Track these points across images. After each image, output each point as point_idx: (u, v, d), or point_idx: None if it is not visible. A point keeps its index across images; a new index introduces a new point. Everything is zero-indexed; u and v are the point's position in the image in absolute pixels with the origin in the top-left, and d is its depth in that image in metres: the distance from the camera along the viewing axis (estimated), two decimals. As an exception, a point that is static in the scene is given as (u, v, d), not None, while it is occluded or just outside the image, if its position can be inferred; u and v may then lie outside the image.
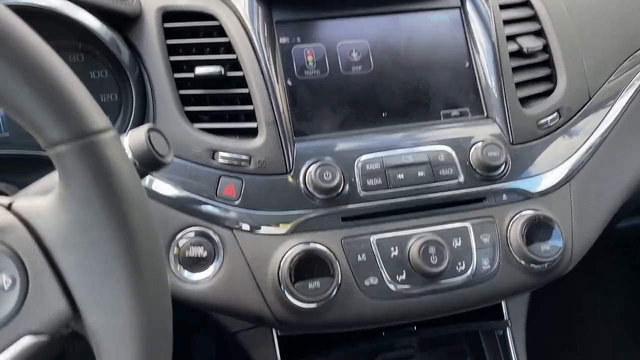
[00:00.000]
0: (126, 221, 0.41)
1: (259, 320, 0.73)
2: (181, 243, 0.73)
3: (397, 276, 0.74)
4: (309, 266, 0.71)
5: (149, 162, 0.49)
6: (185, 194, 0.73)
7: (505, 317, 0.92)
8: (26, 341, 0.41)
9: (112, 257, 0.40)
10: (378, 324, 0.78)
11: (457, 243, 0.76)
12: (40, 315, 0.42)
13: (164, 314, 0.43)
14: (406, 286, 0.74)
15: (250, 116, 0.76)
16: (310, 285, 0.70)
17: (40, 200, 0.43)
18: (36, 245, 0.42)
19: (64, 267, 0.41)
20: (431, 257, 0.73)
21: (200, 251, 0.73)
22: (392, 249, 0.75)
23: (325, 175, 0.73)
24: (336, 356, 0.91)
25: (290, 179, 0.74)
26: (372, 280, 0.73)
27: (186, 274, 0.73)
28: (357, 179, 0.75)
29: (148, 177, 0.73)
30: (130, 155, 0.50)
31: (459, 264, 0.76)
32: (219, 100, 0.78)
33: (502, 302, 0.92)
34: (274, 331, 0.84)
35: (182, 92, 0.76)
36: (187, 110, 0.76)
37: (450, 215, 0.78)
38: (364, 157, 0.76)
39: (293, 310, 0.71)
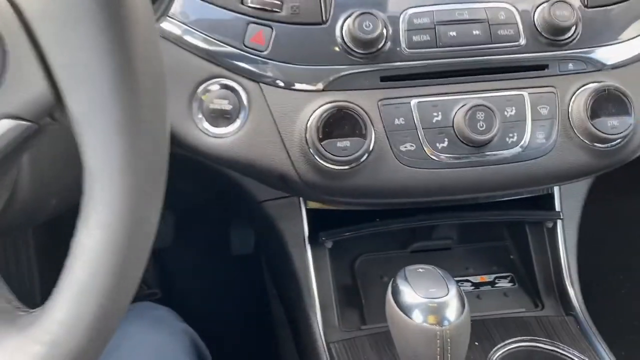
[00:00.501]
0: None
1: (283, 179, 0.67)
2: (205, 95, 0.67)
3: (438, 143, 0.66)
4: (339, 124, 0.64)
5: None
6: (210, 41, 0.67)
7: (558, 207, 0.83)
8: (4, 124, 0.37)
9: (97, 37, 0.35)
10: (412, 197, 0.71)
11: (509, 112, 0.67)
12: (19, 98, 0.37)
13: (156, 115, 0.38)
14: (447, 155, 0.66)
15: (286, -40, 0.68)
16: (339, 144, 0.63)
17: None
18: (15, 16, 0.36)
19: (45, 44, 0.36)
20: (478, 124, 0.65)
21: (225, 104, 0.67)
22: (435, 114, 0.67)
23: (366, 25, 0.64)
24: (366, 236, 0.85)
25: (326, 29, 0.66)
26: (409, 146, 0.66)
27: (209, 127, 0.67)
28: (401, 34, 0.67)
29: (169, 22, 0.67)
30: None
31: (510, 135, 0.67)
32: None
33: (556, 192, 0.83)
34: (301, 203, 0.79)
35: None
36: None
37: (506, 82, 0.69)
38: (411, 10, 0.67)
39: (319, 170, 0.65)
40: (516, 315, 0.81)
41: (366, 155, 0.65)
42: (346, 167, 0.65)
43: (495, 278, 0.89)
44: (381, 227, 0.82)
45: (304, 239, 0.80)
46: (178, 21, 0.67)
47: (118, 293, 0.38)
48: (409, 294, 0.58)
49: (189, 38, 0.67)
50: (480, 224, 0.92)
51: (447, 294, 0.57)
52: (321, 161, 0.64)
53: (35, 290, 1.49)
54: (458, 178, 0.67)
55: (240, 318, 1.38)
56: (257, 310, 1.22)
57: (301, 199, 0.79)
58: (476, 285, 0.88)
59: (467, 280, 0.88)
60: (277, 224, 0.80)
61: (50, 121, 0.39)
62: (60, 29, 0.36)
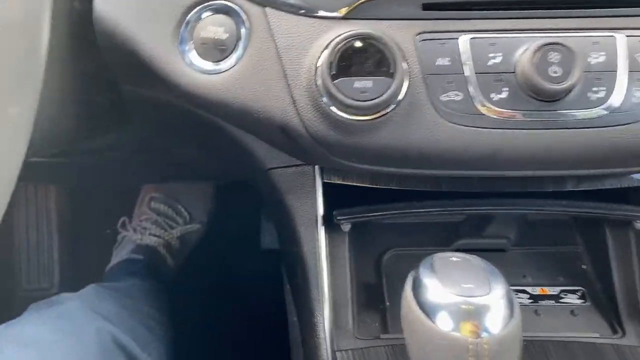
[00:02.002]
0: None
1: (285, 131, 0.52)
2: (196, 21, 0.54)
3: (493, 94, 0.49)
4: (360, 59, 0.48)
5: None
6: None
7: (653, 202, 0.63)
8: None
9: None
10: (451, 167, 0.54)
11: (595, 58, 0.49)
12: None
13: None
14: (504, 110, 0.49)
15: None
16: (358, 84, 0.47)
17: None
18: None
19: None
20: (551, 69, 0.47)
21: (220, 32, 0.53)
22: (492, 55, 0.50)
23: None
24: (399, 227, 0.69)
25: (353, -61, 0.51)
26: (453, 96, 0.49)
27: (198, 60, 0.53)
28: (453, -49, 0.50)
29: None
30: None
31: (595, 89, 0.49)
32: None
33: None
34: (316, 173, 0.63)
35: None
36: None
37: (593, 20, 0.51)
38: None
39: (330, 120, 0.50)
40: (586, 340, 0.62)
41: (394, 103, 0.49)
42: (366, 116, 0.49)
43: (561, 292, 0.69)
44: (413, 213, 0.64)
45: (317, 218, 0.64)
46: None
47: None
48: (435, 289, 0.41)
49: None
50: (544, 222, 0.73)
51: (489, 293, 0.40)
52: (332, 107, 0.49)
53: (54, 270, 1.42)
54: (518, 143, 0.50)
55: (258, 315, 1.24)
56: (275, 307, 1.07)
57: (316, 168, 0.63)
58: (535, 298, 0.69)
59: (524, 291, 0.69)
60: (285, 197, 0.64)
61: None
62: None
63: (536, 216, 0.71)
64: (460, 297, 0.40)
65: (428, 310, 0.41)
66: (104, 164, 0.89)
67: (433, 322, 0.40)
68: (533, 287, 0.69)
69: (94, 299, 0.72)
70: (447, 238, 0.73)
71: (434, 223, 0.73)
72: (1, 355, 0.58)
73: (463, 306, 0.39)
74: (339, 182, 0.64)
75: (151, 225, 1.12)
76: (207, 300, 1.24)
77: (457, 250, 0.73)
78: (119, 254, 1.11)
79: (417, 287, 0.42)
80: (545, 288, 0.70)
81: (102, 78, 0.66)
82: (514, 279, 0.70)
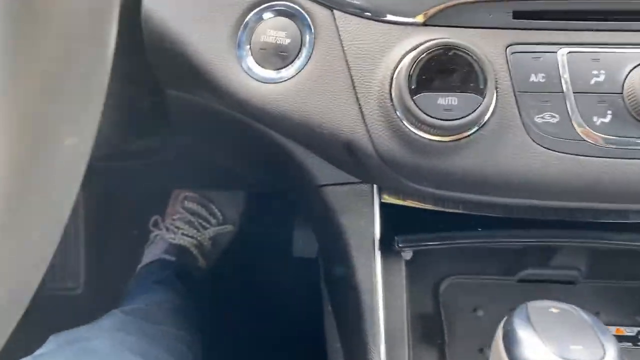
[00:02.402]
0: None
1: (350, 149, 0.46)
2: (256, 23, 0.48)
3: (596, 117, 0.43)
4: (444, 73, 0.42)
5: None
6: (270, -52, 0.47)
7: None
8: None
9: None
10: (544, 197, 0.47)
11: None
12: None
13: None
14: (609, 137, 0.43)
15: None
16: (442, 100, 0.41)
17: None
18: None
19: None
20: (669, 91, 0.41)
21: (281, 37, 0.47)
22: (595, 72, 0.43)
23: None
24: (457, 252, 0.63)
25: (436, -64, 0.45)
26: (549, 117, 0.43)
27: (257, 67, 0.48)
28: (551, -51, 0.44)
29: None
30: None
31: None
32: None
33: None
34: (375, 192, 0.57)
35: None
36: None
37: None
38: None
39: (405, 139, 0.44)
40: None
41: (481, 124, 0.43)
42: (448, 137, 0.43)
43: (639, 333, 0.62)
44: (484, 241, 0.58)
45: (374, 243, 0.58)
46: None
47: None
48: (535, 347, 0.35)
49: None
50: (620, 252, 0.66)
51: (602, 358, 0.33)
52: (409, 125, 0.43)
53: (80, 270, 1.39)
54: (622, 175, 0.43)
55: (292, 329, 1.19)
56: (313, 324, 1.02)
57: (375, 187, 0.57)
58: (609, 339, 0.62)
59: (596, 331, 0.62)
60: (338, 217, 0.59)
61: None
62: None
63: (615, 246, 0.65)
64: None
65: (525, 372, 0.34)
66: (140, 168, 0.85)
67: (531, 386, 0.34)
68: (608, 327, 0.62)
69: (119, 331, 0.67)
70: (510, 267, 0.66)
71: (496, 249, 0.67)
72: None
73: (569, 371, 0.33)
74: (398, 202, 0.58)
75: (184, 225, 1.09)
76: (239, 307, 1.20)
77: (522, 280, 0.67)
78: (152, 253, 1.08)
79: (511, 342, 0.36)
80: (621, 328, 0.63)
81: (145, 81, 0.61)
82: (585, 316, 0.63)
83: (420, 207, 0.57)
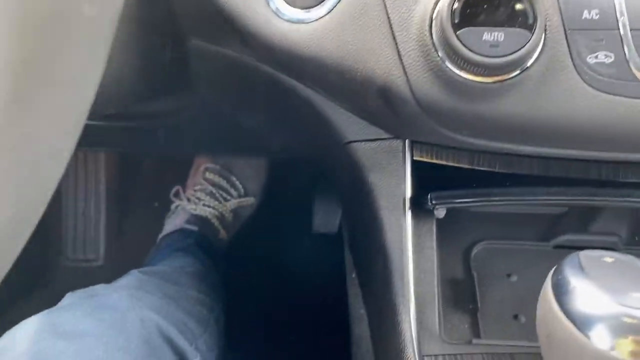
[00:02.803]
0: None
1: (384, 94, 0.44)
2: (285, -40, 0.45)
3: (656, 57, 0.39)
4: (489, 6, 0.39)
5: None
6: None
7: None
8: None
9: None
10: (594, 148, 0.44)
11: None
12: None
13: None
14: (670, 77, 0.39)
15: None
16: (487, 36, 0.38)
17: None
18: None
19: None
20: None
21: (312, -26, 0.44)
22: (655, 7, 0.40)
23: None
24: (489, 215, 0.60)
25: None
26: (603, 57, 0.40)
27: (287, 8, 0.45)
28: None
29: None
30: None
31: None
32: None
33: None
34: (406, 148, 0.54)
35: None
36: None
37: None
38: None
39: (446, 80, 0.41)
40: None
41: (529, 63, 0.39)
42: (492, 77, 0.40)
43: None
44: (521, 199, 0.55)
45: (404, 202, 0.55)
46: None
47: None
48: (590, 295, 0.32)
49: None
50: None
51: (667, 306, 0.30)
52: (451, 64, 0.40)
53: (100, 241, 1.39)
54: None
55: (312, 304, 1.17)
56: (332, 298, 1.00)
57: (406, 143, 0.54)
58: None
59: None
60: (367, 175, 0.56)
61: None
62: None
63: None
64: (628, 307, 0.31)
65: (578, 321, 0.32)
66: (159, 129, 0.83)
67: (586, 336, 0.31)
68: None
69: (137, 289, 0.66)
70: (546, 232, 0.63)
71: (531, 214, 0.64)
72: (38, 345, 0.52)
73: (630, 320, 0.30)
74: (430, 160, 0.55)
75: (205, 196, 1.08)
76: (258, 281, 1.19)
77: (557, 246, 0.64)
78: (173, 223, 1.07)
79: (563, 291, 0.33)
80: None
81: (166, 30, 0.58)
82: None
83: (454, 165, 0.54)
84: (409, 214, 0.55)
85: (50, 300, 0.65)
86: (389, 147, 0.55)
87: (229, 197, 1.11)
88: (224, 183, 1.10)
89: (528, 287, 0.61)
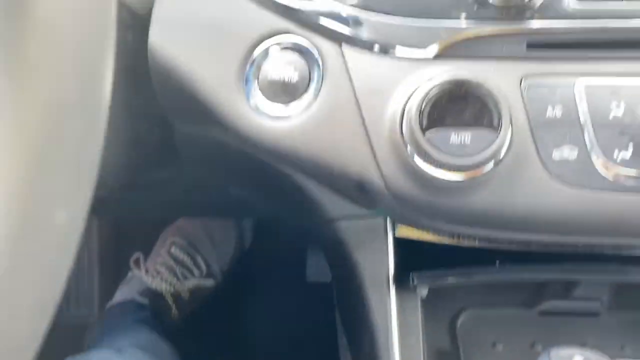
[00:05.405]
0: None
1: (361, 188, 0.45)
2: (263, 58, 0.47)
3: (616, 151, 0.41)
4: (456, 108, 0.41)
5: None
6: (276, -19, 0.47)
7: None
8: None
9: None
10: (564, 234, 0.46)
11: None
12: None
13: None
14: (631, 171, 0.41)
15: None
16: (455, 138, 0.40)
17: None
18: None
19: None
20: (693, 124, 0.39)
21: (289, 73, 0.46)
22: (614, 104, 0.42)
23: (510, -40, 0.41)
24: (475, 284, 0.61)
25: (446, -33, 0.44)
26: (567, 152, 0.41)
27: (266, 104, 0.47)
28: (565, -21, 0.43)
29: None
30: None
31: None
32: None
33: None
34: (388, 226, 0.56)
35: None
36: None
37: None
38: (583, -57, 0.43)
39: (417, 177, 0.42)
40: None
41: (496, 160, 0.41)
42: (462, 175, 0.41)
43: (668, 368, 0.60)
44: (501, 276, 0.56)
45: (388, 279, 0.56)
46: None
47: None
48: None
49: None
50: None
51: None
52: (422, 163, 0.41)
53: (94, 297, 1.39)
54: (646, 211, 0.41)
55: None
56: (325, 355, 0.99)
57: (388, 220, 0.56)
58: (638, 375, 0.60)
59: (623, 366, 0.60)
60: (352, 253, 0.57)
61: None
62: None
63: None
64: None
65: None
66: (151, 198, 0.84)
67: None
68: (635, 362, 0.60)
69: None
70: (530, 299, 0.64)
71: (515, 281, 0.65)
72: None
73: None
74: (412, 237, 0.56)
75: (165, 271, 1.05)
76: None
77: (543, 313, 0.64)
78: (124, 292, 1.04)
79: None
80: (648, 363, 0.60)
81: (152, 115, 0.60)
82: (610, 350, 0.60)
83: (436, 241, 0.56)
84: (393, 291, 0.56)
85: (45, 355, 0.66)
86: (372, 225, 0.57)
87: (189, 276, 1.07)
88: (187, 260, 1.08)
89: (513, 357, 0.61)
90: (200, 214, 1.09)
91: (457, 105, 0.41)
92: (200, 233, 1.15)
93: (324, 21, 0.46)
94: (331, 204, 0.57)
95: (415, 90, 0.42)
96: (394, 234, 0.56)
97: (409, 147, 0.42)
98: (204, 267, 1.11)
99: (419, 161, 0.42)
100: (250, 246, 1.29)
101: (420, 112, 0.40)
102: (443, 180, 0.41)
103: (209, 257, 1.12)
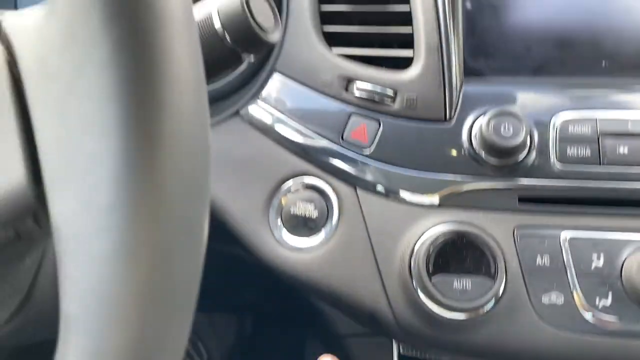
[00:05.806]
0: (143, 44, 0.22)
1: (373, 319, 0.50)
2: (287, 196, 0.54)
3: (598, 299, 0.47)
4: (459, 256, 0.47)
5: (242, 35, 0.35)
6: (303, 132, 0.54)
7: None
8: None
9: (101, 96, 0.22)
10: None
11: None
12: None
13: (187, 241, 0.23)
14: (611, 318, 0.46)
15: (407, 42, 0.55)
16: (457, 284, 0.46)
17: (31, 11, 0.27)
18: (7, 69, 0.25)
19: (34, 108, 0.24)
20: (663, 280, 0.45)
21: (309, 209, 0.53)
22: (595, 256, 0.48)
23: (504, 129, 0.49)
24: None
25: (449, 129, 0.51)
26: (555, 298, 0.47)
27: (288, 236, 0.53)
28: (551, 144, 0.50)
29: (258, 107, 0.55)
30: (217, 24, 0.34)
31: None
32: (368, 19, 0.57)
33: None
34: (394, 347, 0.61)
35: (325, 7, 0.57)
36: (327, 30, 0.57)
37: None
38: (566, 115, 0.51)
39: (424, 315, 0.48)
40: None
41: (493, 301, 0.47)
42: (463, 316, 0.47)
43: None
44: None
45: (392, 395, 0.60)
46: (270, 106, 0.55)
47: None
48: None
49: (279, 127, 0.54)
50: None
51: None
52: (429, 304, 0.47)
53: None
54: (628, 354, 0.47)
55: None
56: None
57: (394, 341, 0.61)
58: None
59: None
60: (358, 367, 0.62)
61: (31, 226, 0.26)
62: (55, 87, 0.23)
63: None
64: None
65: None
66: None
67: None
68: None
69: None
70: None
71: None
72: None
73: None
74: (417, 356, 0.61)
75: None
76: None
77: None
78: None
79: None
80: None
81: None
82: None
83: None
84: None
85: None
86: (378, 342, 0.62)
87: None
88: (189, 348, 1.12)
89: None
90: (207, 310, 1.13)
91: (459, 254, 0.47)
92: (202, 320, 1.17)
93: (342, 165, 0.53)
94: (341, 321, 0.62)
95: (421, 235, 0.48)
96: (399, 351, 0.61)
97: (417, 289, 0.47)
98: (204, 354, 1.13)
99: (426, 301, 0.47)
100: (250, 335, 1.31)
101: (427, 259, 0.46)
102: (447, 318, 0.47)
103: (211, 343, 1.14)
